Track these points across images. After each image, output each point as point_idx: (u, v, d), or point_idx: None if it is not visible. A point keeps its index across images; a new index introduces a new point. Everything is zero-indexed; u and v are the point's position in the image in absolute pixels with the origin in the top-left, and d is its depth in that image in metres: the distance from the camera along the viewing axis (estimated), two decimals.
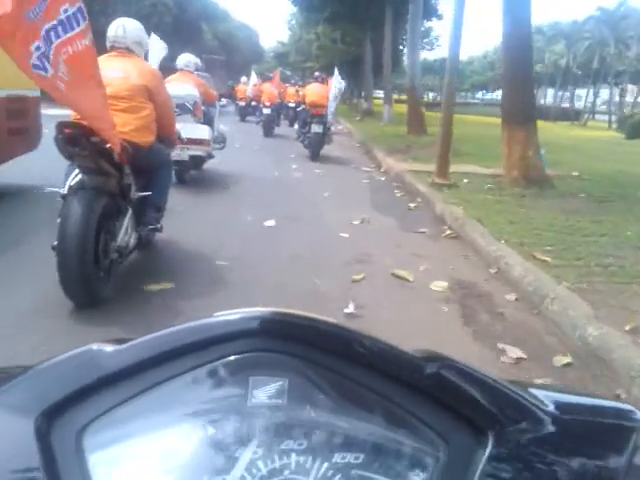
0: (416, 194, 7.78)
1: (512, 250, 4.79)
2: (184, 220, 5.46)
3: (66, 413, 0.52)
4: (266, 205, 6.56)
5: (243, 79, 24.07)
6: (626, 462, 0.55)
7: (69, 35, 2.73)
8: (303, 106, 12.64)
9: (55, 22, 2.65)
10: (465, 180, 8.61)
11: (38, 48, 2.54)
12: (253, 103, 21.55)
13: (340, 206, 6.86)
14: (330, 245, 5.12)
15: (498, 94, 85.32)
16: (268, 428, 0.53)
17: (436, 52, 62.53)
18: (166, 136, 4.26)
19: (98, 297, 3.31)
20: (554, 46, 54.46)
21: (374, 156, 12.21)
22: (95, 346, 0.56)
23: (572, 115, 35.87)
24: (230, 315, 0.56)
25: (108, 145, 3.18)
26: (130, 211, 3.70)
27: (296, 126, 13.62)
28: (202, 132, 7.07)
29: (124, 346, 0.55)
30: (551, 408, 0.59)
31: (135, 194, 3.75)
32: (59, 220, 3.14)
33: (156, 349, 0.54)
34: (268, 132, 15.83)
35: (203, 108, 7.29)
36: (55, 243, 3.12)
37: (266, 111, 15.99)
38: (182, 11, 25.41)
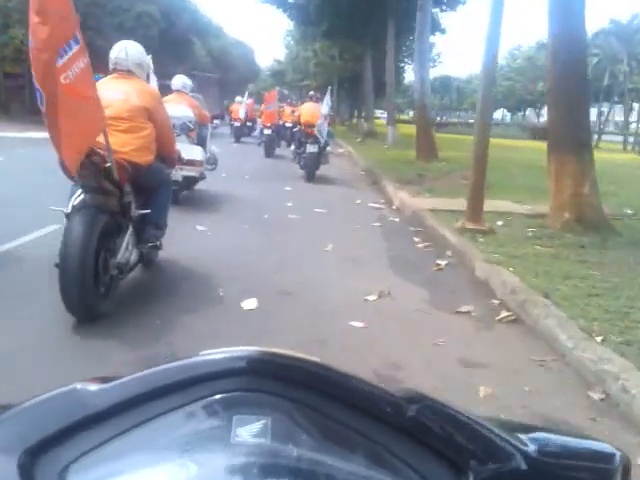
0: (443, 244, 6.06)
1: (621, 358, 3.09)
2: (130, 297, 3.81)
3: (49, 452, 0.52)
4: (247, 269, 4.83)
5: (238, 99, 23.28)
6: None
7: (66, 58, 2.77)
8: (299, 126, 12.34)
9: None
10: (500, 222, 6.93)
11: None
12: (248, 123, 22.20)
13: (348, 267, 5.13)
14: (337, 347, 3.37)
15: (499, 113, 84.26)
16: (251, 467, 0.52)
17: (437, 70, 61.54)
18: (166, 155, 4.35)
19: (98, 312, 3.45)
20: None
21: (383, 187, 10.50)
22: (79, 385, 0.56)
23: None
24: (215, 354, 0.57)
25: (108, 164, 3.39)
26: (131, 228, 3.82)
27: (292, 147, 13.35)
28: (196, 153, 7.17)
29: (108, 385, 0.55)
30: (532, 448, 0.59)
31: (135, 212, 3.86)
32: (62, 239, 3.31)
33: (141, 388, 0.54)
34: (269, 153, 15.94)
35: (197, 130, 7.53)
36: (58, 261, 3.29)
37: (267, 132, 16.07)
38: (170, 24, 23.79)
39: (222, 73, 44.03)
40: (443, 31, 29.48)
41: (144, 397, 0.54)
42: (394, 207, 8.66)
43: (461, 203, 7.99)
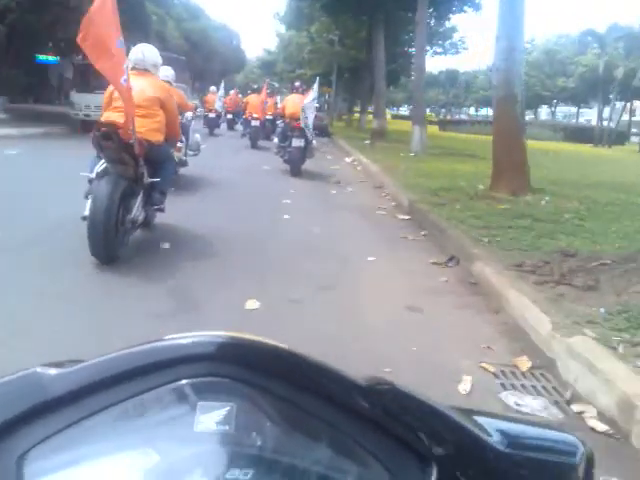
0: None
1: None
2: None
3: (7, 438, 0.50)
4: None
5: (212, 88, 22.33)
6: None
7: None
8: (282, 119, 11.96)
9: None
10: None
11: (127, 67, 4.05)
12: (229, 116, 22.31)
13: None
14: None
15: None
16: (214, 456, 0.51)
17: (443, 63, 55.41)
18: (172, 137, 5.28)
19: (116, 257, 4.36)
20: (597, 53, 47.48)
21: (495, 294, 4.21)
22: (39, 369, 0.54)
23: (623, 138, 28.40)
24: (180, 339, 0.55)
25: (131, 141, 4.22)
26: (142, 193, 4.70)
27: (275, 140, 12.31)
28: None
29: (69, 370, 0.54)
30: (496, 438, 0.59)
31: (147, 180, 4.72)
32: (90, 196, 4.20)
33: (102, 373, 0.53)
34: (255, 144, 16.13)
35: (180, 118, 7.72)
36: (85, 214, 4.14)
37: (254, 123, 16.31)
38: None
39: (203, 61, 37.99)
40: (477, 6, 23.27)
41: (106, 382, 0.52)
42: (604, 430, 2.55)
43: None
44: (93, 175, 4.29)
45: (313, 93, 10.90)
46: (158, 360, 0.52)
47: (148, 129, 4.65)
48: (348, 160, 14.41)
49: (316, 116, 24.58)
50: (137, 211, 4.58)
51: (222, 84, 21.43)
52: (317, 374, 0.54)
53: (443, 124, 38.43)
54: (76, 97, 16.96)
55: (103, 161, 4.28)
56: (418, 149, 14.79)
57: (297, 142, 10.46)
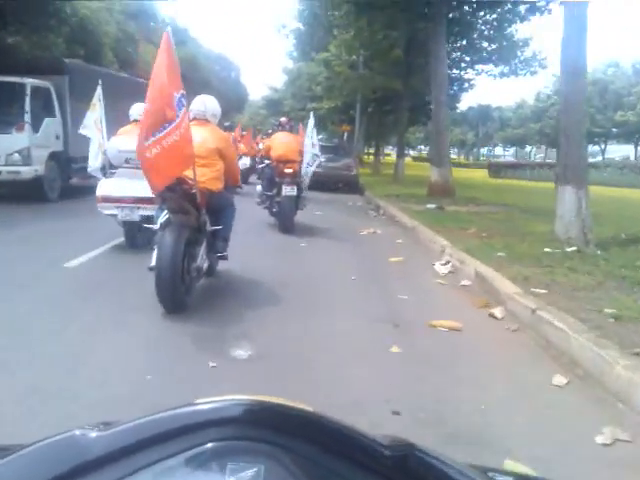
0: None
1: None
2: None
3: None
4: None
5: None
6: None
7: (177, 122, 3.88)
8: (268, 162, 9.43)
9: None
10: None
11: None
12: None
13: None
14: None
15: (546, 151, 68.51)
16: None
17: (472, 98, 48.13)
18: (232, 183, 5.44)
19: (183, 305, 4.42)
20: None
21: None
22: (78, 431, 0.55)
23: None
24: (210, 403, 0.56)
25: (193, 191, 4.37)
26: (205, 241, 4.77)
27: (259, 188, 9.84)
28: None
29: (106, 432, 0.54)
30: None
31: (209, 228, 4.83)
32: (156, 247, 4.34)
33: (137, 436, 0.53)
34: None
35: None
36: (152, 265, 4.26)
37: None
38: None
39: (193, 95, 30.72)
40: (548, 11, 15.13)
41: (140, 445, 0.52)
42: None
43: None
44: (157, 226, 4.46)
45: (309, 131, 9.03)
46: (189, 423, 0.53)
47: (208, 178, 4.74)
48: (443, 269, 6.50)
49: (344, 165, 17.37)
50: (201, 259, 4.67)
51: None
52: (343, 437, 0.54)
53: (495, 169, 30.61)
54: None
55: (166, 212, 4.38)
56: (576, 233, 6.99)
57: (288, 190, 8.58)
